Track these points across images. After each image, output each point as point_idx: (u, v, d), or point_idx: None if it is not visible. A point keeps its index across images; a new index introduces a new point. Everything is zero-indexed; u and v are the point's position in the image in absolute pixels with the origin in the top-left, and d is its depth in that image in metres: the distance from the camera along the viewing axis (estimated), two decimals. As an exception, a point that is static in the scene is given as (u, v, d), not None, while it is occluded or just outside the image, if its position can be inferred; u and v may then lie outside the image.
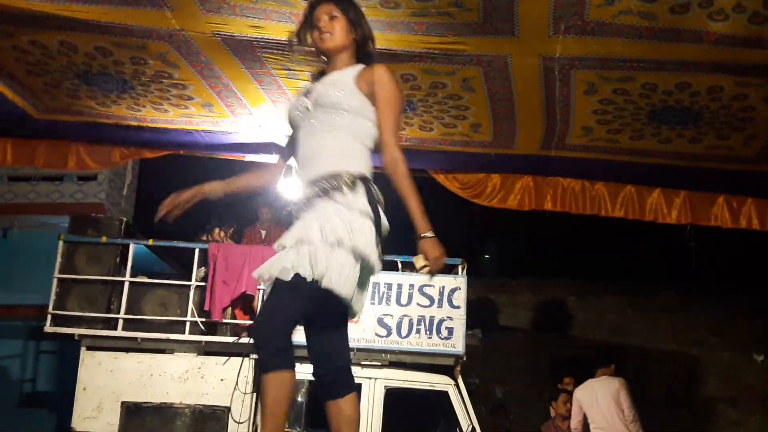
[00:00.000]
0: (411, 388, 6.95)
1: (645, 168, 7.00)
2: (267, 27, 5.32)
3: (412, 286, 7.08)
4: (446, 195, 7.54)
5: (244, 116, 6.90)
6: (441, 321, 7.00)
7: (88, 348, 7.02)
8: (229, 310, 7.05)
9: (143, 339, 6.94)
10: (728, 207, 7.03)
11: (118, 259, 7.20)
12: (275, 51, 5.69)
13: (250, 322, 6.95)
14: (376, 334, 6.99)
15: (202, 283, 7.04)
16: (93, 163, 7.44)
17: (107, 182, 10.97)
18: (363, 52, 3.16)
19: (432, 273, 2.88)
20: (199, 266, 7.14)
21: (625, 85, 5.77)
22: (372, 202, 2.91)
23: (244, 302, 7.08)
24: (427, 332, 6.98)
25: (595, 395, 7.27)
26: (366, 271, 2.88)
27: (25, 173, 10.80)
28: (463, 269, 7.21)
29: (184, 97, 6.64)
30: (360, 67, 3.08)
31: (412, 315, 7.02)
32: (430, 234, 2.91)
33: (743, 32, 4.87)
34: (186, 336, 6.95)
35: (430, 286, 7.08)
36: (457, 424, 6.73)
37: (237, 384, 6.82)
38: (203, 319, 7.00)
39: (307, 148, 3.00)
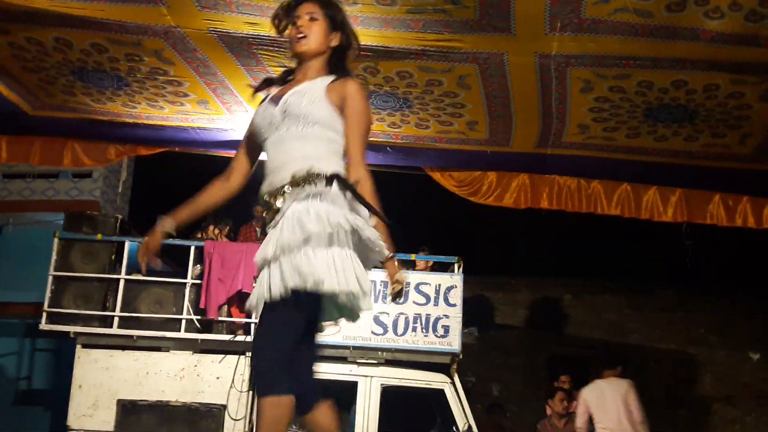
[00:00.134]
0: (407, 386, 6.95)
1: (641, 166, 6.99)
2: (263, 24, 5.30)
3: (408, 284, 7.05)
4: (442, 193, 7.53)
5: (239, 113, 6.89)
6: (437, 319, 7.00)
7: (84, 346, 7.01)
8: (225, 307, 7.05)
9: (139, 337, 6.94)
10: (724, 205, 7.02)
11: (113, 257, 7.20)
12: (271, 48, 5.69)
13: (246, 320, 6.95)
14: (372, 332, 6.99)
15: (198, 281, 7.04)
16: (88, 160, 7.43)
17: (102, 179, 10.96)
18: (339, 61, 3.02)
19: (397, 295, 2.83)
20: (194, 264, 7.13)
21: (621, 83, 5.77)
22: (348, 197, 2.78)
23: (239, 300, 7.07)
24: (424, 330, 6.98)
25: (603, 396, 7.30)
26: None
27: (20, 170, 10.80)
28: (459, 267, 7.22)
29: (180, 94, 6.63)
30: (331, 78, 2.94)
31: (408, 313, 7.02)
32: (392, 255, 2.84)
33: (739, 30, 4.87)
34: (182, 334, 6.95)
35: (426, 284, 7.08)
36: (454, 422, 6.73)
37: (233, 382, 6.82)
38: (199, 317, 6.99)
39: (275, 157, 2.88)
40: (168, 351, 6.96)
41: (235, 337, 6.92)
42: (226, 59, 5.94)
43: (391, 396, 6.92)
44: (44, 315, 7.07)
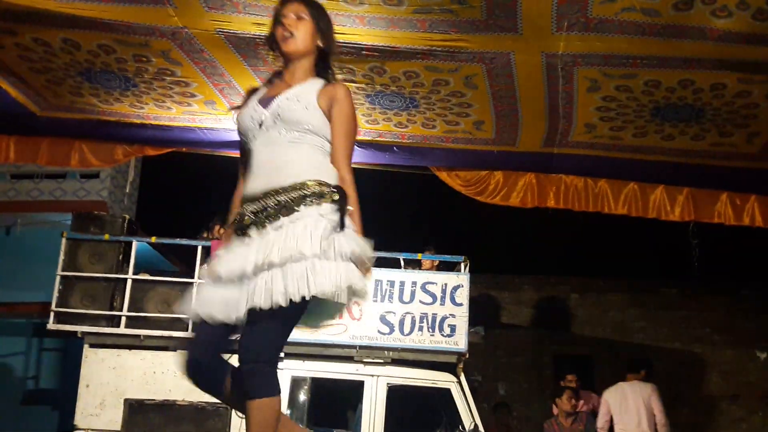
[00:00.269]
0: (413, 385, 6.96)
1: (648, 165, 6.99)
2: (270, 24, 5.31)
3: (414, 283, 7.09)
4: (449, 192, 7.53)
5: (246, 114, 6.89)
6: (443, 318, 7.00)
7: (91, 345, 7.03)
8: (232, 307, 7.05)
9: (146, 336, 6.96)
10: (731, 204, 7.01)
11: (120, 257, 7.22)
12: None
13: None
14: (379, 332, 7.00)
15: (205, 281, 7.04)
16: (96, 160, 7.44)
17: (110, 180, 10.98)
18: (325, 64, 3.03)
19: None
20: (201, 264, 7.14)
21: (628, 82, 5.76)
22: (340, 211, 2.78)
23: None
24: (430, 329, 6.98)
25: (625, 398, 7.39)
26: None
27: (28, 171, 10.82)
28: (465, 267, 7.22)
29: (187, 95, 6.64)
30: (321, 82, 2.95)
31: (414, 312, 7.02)
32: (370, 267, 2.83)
33: (747, 29, 4.86)
34: (189, 333, 6.94)
35: (432, 283, 7.08)
36: (460, 421, 6.73)
37: (239, 381, 6.82)
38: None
39: (265, 159, 2.85)
40: (175, 350, 6.96)
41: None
42: (233, 60, 5.95)
43: (397, 395, 6.92)
44: (52, 315, 7.08)
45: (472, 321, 7.20)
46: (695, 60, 5.36)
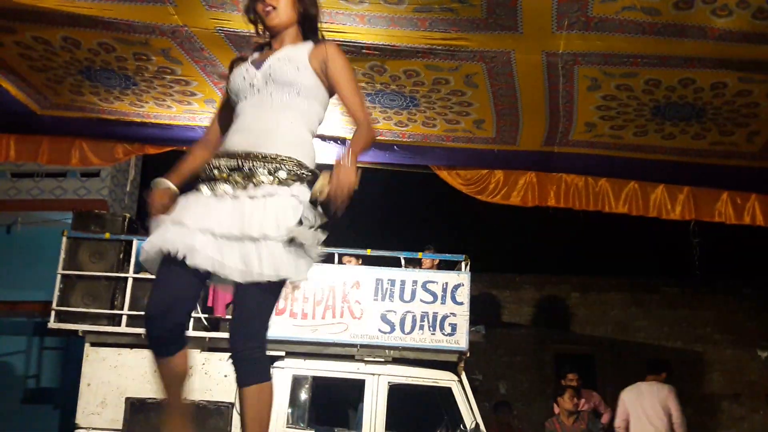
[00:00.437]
0: (414, 384, 6.96)
1: (649, 164, 6.98)
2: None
3: (415, 282, 7.09)
4: (449, 191, 7.53)
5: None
6: (444, 317, 7.00)
7: (92, 344, 7.04)
8: (233, 306, 7.06)
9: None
10: (732, 203, 7.01)
11: (121, 255, 7.23)
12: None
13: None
14: (380, 330, 7.01)
15: (206, 279, 7.04)
16: (96, 159, 7.44)
17: (110, 178, 10.98)
18: (310, 27, 3.04)
19: (328, 198, 2.68)
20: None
21: (628, 81, 5.76)
22: (313, 200, 2.77)
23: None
24: (431, 328, 6.99)
25: (641, 398, 7.45)
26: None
27: (28, 169, 10.81)
28: (466, 265, 7.22)
29: (187, 93, 6.64)
30: (311, 44, 2.97)
31: (415, 311, 7.03)
32: (350, 164, 2.68)
33: (747, 28, 4.85)
34: (189, 332, 6.92)
35: (433, 282, 7.08)
36: (461, 420, 6.73)
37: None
38: (207, 315, 7.01)
39: (254, 119, 2.85)
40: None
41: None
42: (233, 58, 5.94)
43: (398, 394, 6.93)
44: (53, 313, 7.10)
45: (473, 320, 7.20)
46: (696, 59, 5.36)
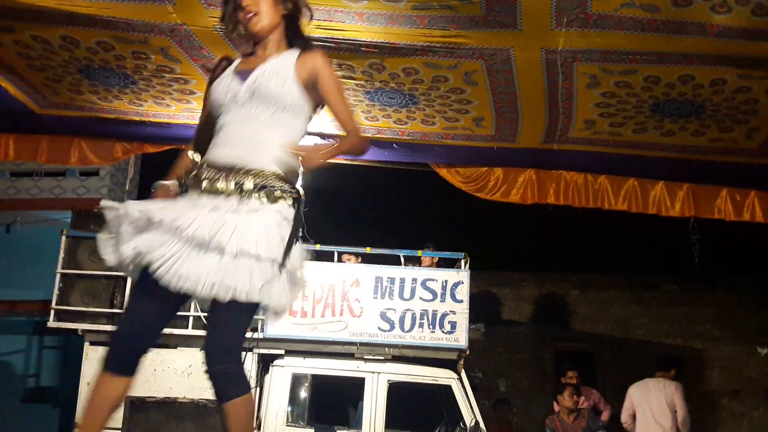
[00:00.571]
0: (414, 382, 6.97)
1: (648, 161, 6.98)
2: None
3: (414, 280, 7.09)
4: (449, 189, 7.53)
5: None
6: (444, 315, 7.00)
7: (92, 343, 7.03)
8: (232, 304, 7.04)
9: (147, 334, 6.94)
10: (731, 200, 7.00)
11: (120, 254, 7.20)
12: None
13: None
14: (379, 329, 7.01)
15: (205, 278, 7.03)
16: (95, 158, 7.43)
17: (109, 177, 10.99)
18: (296, 30, 2.97)
19: (294, 157, 2.73)
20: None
21: (627, 78, 5.75)
22: (298, 218, 2.78)
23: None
24: (430, 326, 6.99)
25: (648, 394, 7.49)
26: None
27: (27, 168, 10.81)
28: (465, 263, 7.22)
29: (186, 92, 6.63)
30: (296, 52, 2.90)
31: (415, 309, 7.03)
32: (325, 152, 2.74)
33: (746, 24, 4.85)
34: (189, 331, 6.95)
35: (432, 280, 7.08)
36: (461, 418, 6.73)
37: (240, 378, 6.82)
38: (206, 314, 6.99)
39: (239, 134, 2.79)
40: (176, 348, 6.97)
41: (242, 333, 6.92)
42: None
43: (398, 392, 6.93)
44: (52, 313, 7.09)
45: (473, 318, 7.21)
46: (695, 56, 5.35)
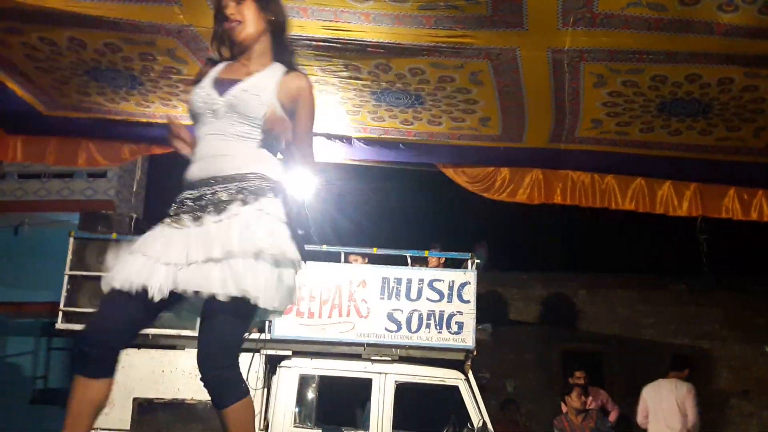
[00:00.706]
0: (421, 383, 6.95)
1: (655, 160, 6.97)
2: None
3: (421, 280, 7.08)
4: (455, 189, 7.53)
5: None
6: (451, 315, 6.99)
7: (100, 344, 7.03)
8: (239, 305, 7.05)
9: (154, 335, 6.95)
10: (739, 199, 6.98)
11: (128, 256, 7.21)
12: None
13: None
14: (386, 329, 7.00)
15: (212, 279, 7.04)
16: (103, 159, 7.45)
17: (117, 179, 11.01)
18: (279, 40, 2.94)
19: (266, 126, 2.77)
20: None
21: (634, 77, 5.74)
22: (288, 207, 2.78)
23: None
24: (437, 327, 6.98)
25: (660, 395, 7.49)
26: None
27: (35, 170, 10.84)
28: (472, 264, 7.21)
29: (193, 93, 6.64)
30: (281, 70, 2.88)
31: (422, 310, 7.02)
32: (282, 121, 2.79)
33: (753, 23, 4.83)
34: (197, 332, 6.94)
35: (439, 280, 7.08)
36: (468, 419, 6.72)
37: (247, 379, 6.81)
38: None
39: (209, 148, 2.81)
40: (183, 349, 6.98)
41: (249, 335, 6.93)
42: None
43: (405, 393, 6.92)
44: (60, 314, 7.09)
45: (480, 318, 7.19)
46: (702, 54, 5.34)
